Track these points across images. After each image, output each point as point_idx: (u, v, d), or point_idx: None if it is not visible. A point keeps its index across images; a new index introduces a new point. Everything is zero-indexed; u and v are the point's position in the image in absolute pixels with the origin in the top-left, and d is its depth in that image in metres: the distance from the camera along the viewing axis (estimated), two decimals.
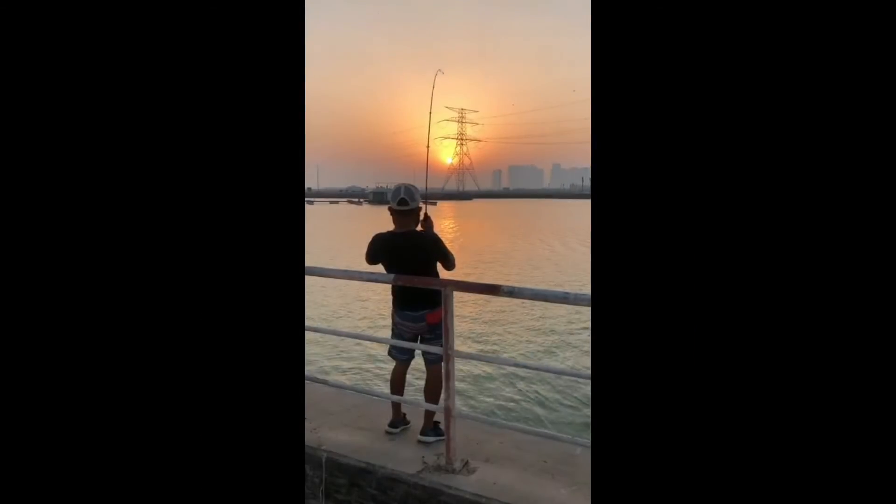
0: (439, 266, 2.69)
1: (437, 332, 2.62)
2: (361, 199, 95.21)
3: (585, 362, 7.29)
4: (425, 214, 2.72)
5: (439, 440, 2.52)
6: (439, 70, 3.38)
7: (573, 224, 37.92)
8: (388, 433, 2.65)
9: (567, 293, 1.93)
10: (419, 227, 2.71)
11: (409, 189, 2.65)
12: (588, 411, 5.49)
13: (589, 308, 1.92)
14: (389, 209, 2.68)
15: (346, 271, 2.49)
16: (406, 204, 2.62)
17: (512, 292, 2.06)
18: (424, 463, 2.34)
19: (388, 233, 2.70)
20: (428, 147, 3.03)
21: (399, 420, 2.69)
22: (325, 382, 2.98)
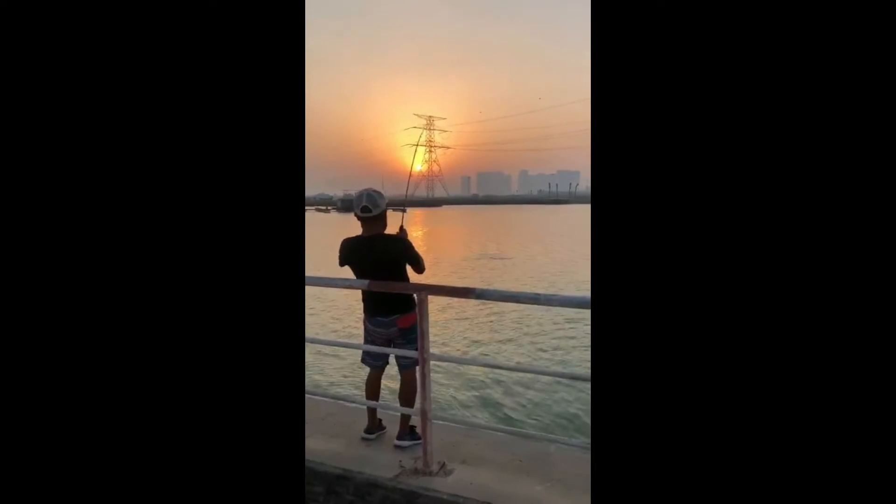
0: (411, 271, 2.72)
1: (408, 336, 2.64)
2: (329, 207, 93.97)
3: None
4: (401, 227, 2.73)
5: (415, 444, 2.54)
6: (432, 118, 3.38)
7: (530, 230, 38.60)
8: (364, 439, 2.65)
9: (538, 294, 2.00)
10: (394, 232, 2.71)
11: (370, 196, 2.62)
12: (560, 410, 5.61)
13: (557, 308, 1.97)
14: (355, 216, 2.68)
15: (321, 279, 2.49)
16: (369, 211, 2.60)
17: (483, 295, 2.12)
18: (402, 467, 2.36)
19: (356, 237, 2.69)
20: (410, 174, 3.04)
21: (375, 426, 2.70)
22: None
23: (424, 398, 2.30)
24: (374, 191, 2.67)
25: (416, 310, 2.62)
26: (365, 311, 2.70)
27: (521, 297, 2.21)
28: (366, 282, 2.48)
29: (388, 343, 2.69)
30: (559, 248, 24.15)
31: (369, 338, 2.71)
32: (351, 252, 2.68)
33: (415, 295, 2.58)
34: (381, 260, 2.61)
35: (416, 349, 2.63)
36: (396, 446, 2.57)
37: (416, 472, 2.31)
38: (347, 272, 2.73)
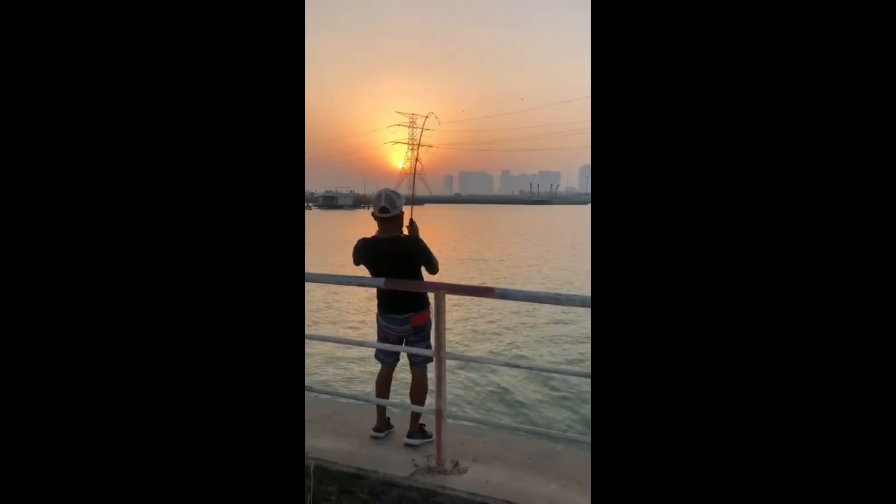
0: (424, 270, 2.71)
1: (421, 334, 2.65)
2: (310, 204, 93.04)
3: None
4: (410, 219, 2.74)
5: (426, 442, 2.54)
6: (431, 113, 3.49)
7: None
8: (373, 438, 2.64)
9: (559, 294, 2.02)
10: (405, 231, 2.71)
11: (389, 196, 2.63)
12: (561, 406, 5.67)
13: (579, 308, 2.01)
14: (372, 215, 2.68)
15: (337, 276, 2.47)
16: (387, 211, 2.61)
17: (504, 294, 2.12)
18: (415, 465, 2.36)
19: (372, 238, 2.69)
20: (415, 167, 3.07)
21: (384, 424, 2.69)
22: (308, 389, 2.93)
23: (440, 397, 2.30)
24: (393, 191, 2.68)
25: (429, 308, 2.63)
26: (378, 309, 2.70)
27: (543, 298, 2.22)
28: (381, 280, 2.47)
29: (401, 340, 2.69)
30: (545, 249, 24.50)
31: (382, 335, 2.71)
32: (367, 252, 2.68)
33: (429, 293, 2.58)
34: (397, 260, 2.61)
35: (429, 347, 2.64)
36: (407, 445, 2.56)
37: (430, 470, 2.31)
38: (360, 270, 2.71)
